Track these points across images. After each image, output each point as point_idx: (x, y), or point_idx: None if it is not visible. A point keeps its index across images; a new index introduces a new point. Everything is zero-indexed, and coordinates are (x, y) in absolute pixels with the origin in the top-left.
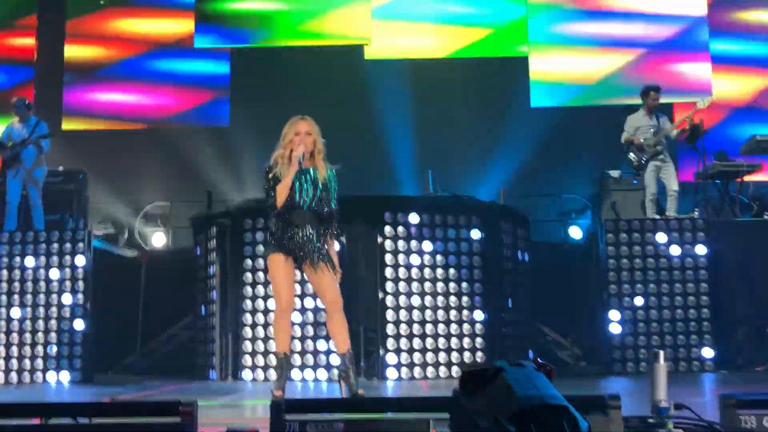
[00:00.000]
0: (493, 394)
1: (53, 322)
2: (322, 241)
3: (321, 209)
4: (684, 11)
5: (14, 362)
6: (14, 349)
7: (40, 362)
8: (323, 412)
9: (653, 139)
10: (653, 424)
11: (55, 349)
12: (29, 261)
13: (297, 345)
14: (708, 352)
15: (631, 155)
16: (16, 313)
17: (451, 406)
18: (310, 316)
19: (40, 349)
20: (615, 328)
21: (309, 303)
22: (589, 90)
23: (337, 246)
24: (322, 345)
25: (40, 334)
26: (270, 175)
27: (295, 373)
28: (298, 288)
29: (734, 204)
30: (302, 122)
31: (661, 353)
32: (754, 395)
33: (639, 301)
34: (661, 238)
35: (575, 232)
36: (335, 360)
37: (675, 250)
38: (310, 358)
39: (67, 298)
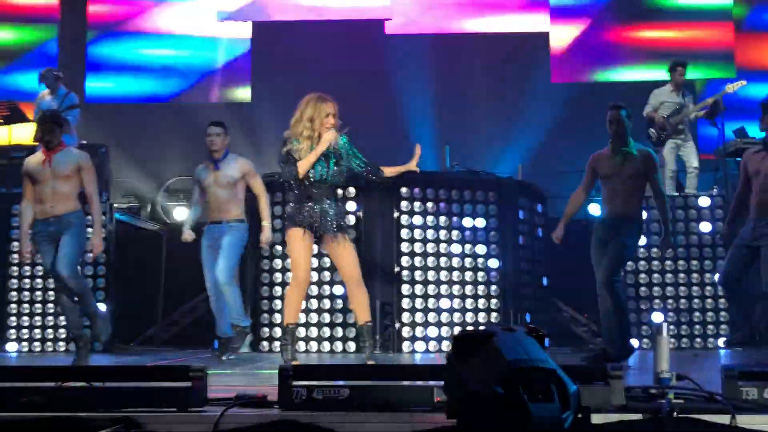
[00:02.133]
0: (483, 359)
1: None
2: (340, 213)
3: (337, 181)
4: None
5: (37, 332)
6: (37, 319)
7: (62, 331)
8: (329, 379)
9: (677, 117)
10: (654, 394)
11: None
12: None
13: (314, 317)
14: (724, 330)
15: (651, 131)
16: (39, 282)
17: (444, 371)
18: (326, 289)
19: (62, 319)
20: (631, 305)
21: (325, 276)
22: (611, 64)
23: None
24: (337, 318)
25: None
26: (285, 150)
27: (311, 345)
28: (314, 261)
29: None
30: (330, 103)
31: (664, 326)
32: (756, 368)
33: (656, 278)
34: (678, 215)
35: (595, 209)
36: (350, 332)
37: (692, 227)
38: (326, 331)
39: (89, 270)
